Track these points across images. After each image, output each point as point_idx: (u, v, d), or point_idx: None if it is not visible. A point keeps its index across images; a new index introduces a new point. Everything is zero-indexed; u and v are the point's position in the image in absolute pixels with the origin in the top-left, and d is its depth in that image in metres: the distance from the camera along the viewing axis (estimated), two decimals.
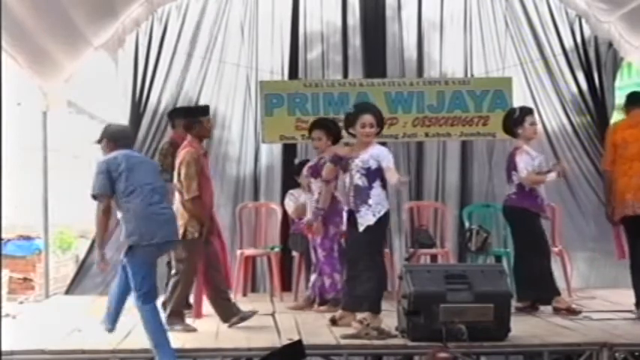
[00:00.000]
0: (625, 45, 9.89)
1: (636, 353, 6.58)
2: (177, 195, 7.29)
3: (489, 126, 9.89)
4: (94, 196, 6.28)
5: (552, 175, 7.89)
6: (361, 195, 6.95)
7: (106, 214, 6.31)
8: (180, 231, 7.03)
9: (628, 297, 8.01)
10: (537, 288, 7.84)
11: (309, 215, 8.21)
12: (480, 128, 9.93)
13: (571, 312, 7.71)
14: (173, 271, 7.30)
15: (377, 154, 6.99)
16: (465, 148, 10.30)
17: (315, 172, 8.17)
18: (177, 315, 7.19)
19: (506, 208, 8.07)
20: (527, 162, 7.81)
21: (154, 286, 6.26)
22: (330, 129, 8.28)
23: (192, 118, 7.37)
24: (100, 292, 9.46)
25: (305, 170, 8.42)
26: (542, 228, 8.01)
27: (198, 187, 7.16)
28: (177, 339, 6.64)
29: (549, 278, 7.96)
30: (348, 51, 10.30)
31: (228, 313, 7.29)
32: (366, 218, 6.93)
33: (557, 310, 7.74)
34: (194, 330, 7.10)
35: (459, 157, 10.32)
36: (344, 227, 7.50)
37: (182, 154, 7.26)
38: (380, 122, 7.12)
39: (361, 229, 6.96)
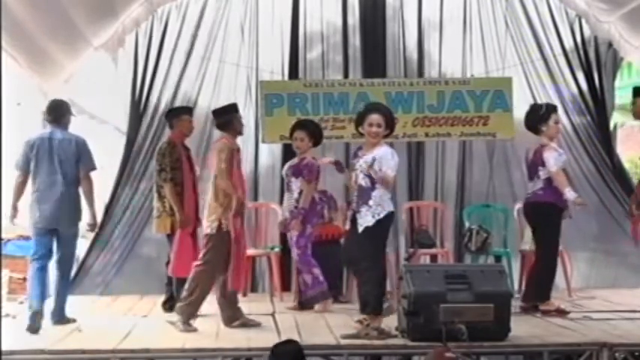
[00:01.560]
0: (625, 45, 9.89)
1: (636, 353, 6.58)
2: (210, 188, 7.27)
3: (489, 126, 9.89)
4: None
5: (572, 194, 7.75)
6: (363, 196, 6.94)
7: (21, 186, 7.37)
8: (214, 225, 7.14)
9: (628, 297, 8.01)
10: (545, 289, 7.82)
11: (286, 213, 8.32)
12: (480, 128, 9.92)
13: (560, 312, 7.69)
14: (197, 262, 7.26)
15: (380, 155, 6.95)
16: (465, 148, 10.30)
17: (297, 171, 8.26)
18: (188, 313, 7.13)
19: (531, 204, 7.93)
20: (557, 158, 7.79)
21: (45, 254, 7.32)
22: (312, 130, 8.38)
23: (227, 116, 7.43)
24: (100, 292, 9.49)
25: (286, 169, 8.47)
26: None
27: (230, 176, 7.17)
28: (177, 339, 6.65)
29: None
30: (348, 51, 10.30)
31: (232, 317, 7.29)
32: (366, 219, 6.90)
33: (545, 313, 7.69)
34: (194, 330, 7.10)
35: (458, 157, 10.32)
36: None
37: (218, 144, 7.29)
38: (389, 123, 7.04)
39: (360, 229, 6.94)
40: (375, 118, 6.98)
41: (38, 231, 7.31)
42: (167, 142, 8.14)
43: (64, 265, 7.43)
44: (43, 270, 7.33)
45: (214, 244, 7.17)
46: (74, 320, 7.37)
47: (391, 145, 7.41)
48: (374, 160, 6.87)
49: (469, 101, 9.92)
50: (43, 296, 7.26)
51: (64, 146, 7.33)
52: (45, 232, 7.30)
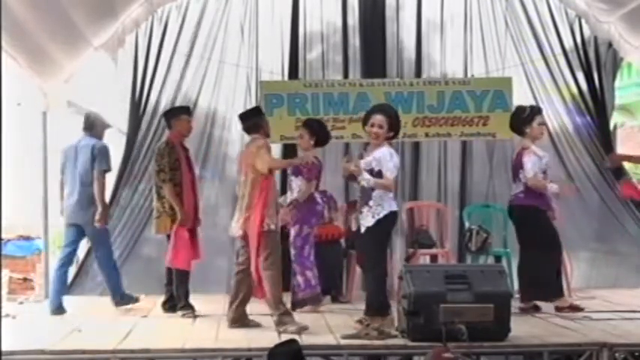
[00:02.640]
0: (625, 45, 9.89)
1: (636, 353, 6.57)
2: (241, 189, 7.30)
3: (489, 126, 9.89)
4: None
5: (554, 188, 7.84)
6: (364, 196, 6.95)
7: (61, 187, 8.41)
8: (257, 224, 7.10)
9: (628, 297, 8.01)
10: (545, 288, 7.82)
11: (286, 211, 8.33)
12: (480, 128, 9.92)
13: (574, 309, 7.71)
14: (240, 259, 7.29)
15: (379, 157, 6.96)
16: (465, 148, 10.30)
17: (297, 170, 8.29)
18: (285, 314, 7.13)
19: (514, 207, 8.00)
20: (534, 162, 7.81)
21: (71, 242, 8.40)
22: (314, 129, 8.37)
23: (255, 119, 7.49)
24: (100, 293, 9.46)
25: (289, 168, 8.48)
26: (553, 225, 7.96)
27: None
28: (177, 339, 6.63)
29: (556, 277, 7.95)
30: (348, 51, 10.30)
31: (237, 319, 7.28)
32: (366, 219, 6.92)
33: (559, 309, 7.72)
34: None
35: (459, 157, 10.32)
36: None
37: (258, 142, 7.32)
38: (393, 125, 7.04)
39: (362, 230, 6.96)
40: (377, 118, 6.98)
41: (66, 225, 8.40)
42: (166, 143, 8.13)
43: (100, 259, 8.39)
44: (65, 267, 8.36)
45: (269, 252, 7.09)
46: (137, 299, 8.28)
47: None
48: (373, 161, 6.89)
49: (469, 101, 9.92)
50: (60, 292, 8.19)
51: (84, 151, 8.22)
52: (69, 225, 8.35)
